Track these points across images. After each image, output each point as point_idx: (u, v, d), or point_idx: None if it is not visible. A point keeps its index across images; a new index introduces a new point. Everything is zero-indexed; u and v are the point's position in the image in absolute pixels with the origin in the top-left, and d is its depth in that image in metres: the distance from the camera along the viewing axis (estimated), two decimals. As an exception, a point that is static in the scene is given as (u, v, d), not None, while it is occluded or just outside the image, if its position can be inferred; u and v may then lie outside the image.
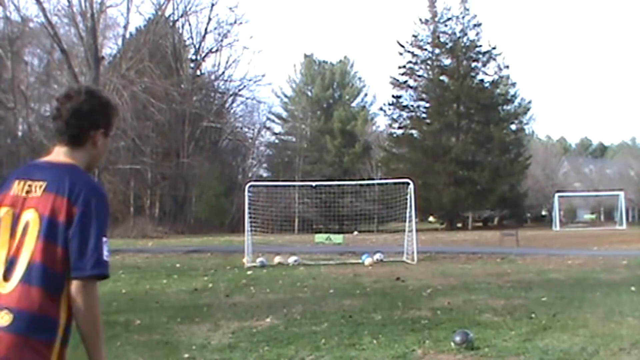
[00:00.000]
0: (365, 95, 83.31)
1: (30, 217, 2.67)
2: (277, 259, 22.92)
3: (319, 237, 26.81)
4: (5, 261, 2.64)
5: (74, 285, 2.59)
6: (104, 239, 2.67)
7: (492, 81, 67.30)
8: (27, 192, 2.73)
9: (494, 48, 66.51)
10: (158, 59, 56.04)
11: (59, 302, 2.61)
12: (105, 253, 2.65)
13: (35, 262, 2.59)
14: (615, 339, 8.26)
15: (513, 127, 70.92)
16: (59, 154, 2.86)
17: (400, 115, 68.10)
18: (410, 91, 68.03)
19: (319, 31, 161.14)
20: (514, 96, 73.83)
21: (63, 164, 2.81)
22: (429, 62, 67.44)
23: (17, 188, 2.76)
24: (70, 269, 2.60)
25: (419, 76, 67.81)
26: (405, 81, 67.40)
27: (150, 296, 13.95)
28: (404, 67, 67.01)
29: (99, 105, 2.93)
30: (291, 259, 22.84)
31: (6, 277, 2.61)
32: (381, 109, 70.77)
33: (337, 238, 26.54)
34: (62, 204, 2.65)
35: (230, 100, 70.09)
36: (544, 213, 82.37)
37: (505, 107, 69.99)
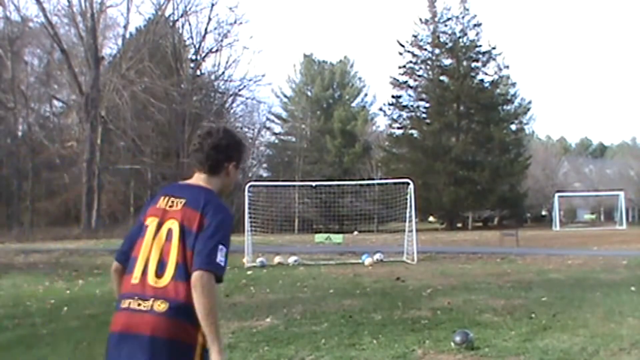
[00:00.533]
0: (365, 95, 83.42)
1: (173, 226, 3.31)
2: (277, 259, 22.94)
3: (319, 237, 26.82)
4: (157, 261, 3.25)
5: (192, 277, 3.13)
6: (221, 247, 3.22)
7: (492, 81, 67.34)
8: (170, 205, 3.40)
9: (493, 48, 66.59)
10: (158, 59, 56.04)
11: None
12: (220, 258, 3.20)
13: (179, 263, 3.21)
14: (615, 339, 8.26)
15: (513, 127, 70.95)
16: (198, 179, 3.57)
17: (400, 115, 68.11)
18: (410, 91, 68.07)
19: (319, 31, 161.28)
20: (514, 96, 73.91)
21: (200, 186, 3.51)
22: (429, 62, 67.45)
23: (162, 202, 3.43)
24: (193, 264, 3.19)
25: (419, 76, 67.83)
26: (405, 81, 67.41)
27: (150, 296, 13.94)
28: (404, 67, 67.03)
29: (234, 143, 3.62)
30: (291, 259, 22.85)
31: (158, 274, 3.22)
32: (381, 109, 70.85)
33: (337, 238, 26.55)
34: (195, 217, 3.28)
35: (230, 100, 70.05)
36: (544, 213, 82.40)
37: (505, 107, 70.00)
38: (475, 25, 66.62)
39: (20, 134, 57.68)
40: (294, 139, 78.76)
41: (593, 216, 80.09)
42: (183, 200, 3.39)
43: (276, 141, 79.91)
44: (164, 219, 3.35)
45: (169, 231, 3.30)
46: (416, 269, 19.92)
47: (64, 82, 59.47)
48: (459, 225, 66.20)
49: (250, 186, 25.60)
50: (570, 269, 18.86)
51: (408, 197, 24.27)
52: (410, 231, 23.86)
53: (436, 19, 67.00)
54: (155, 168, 57.81)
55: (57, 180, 55.73)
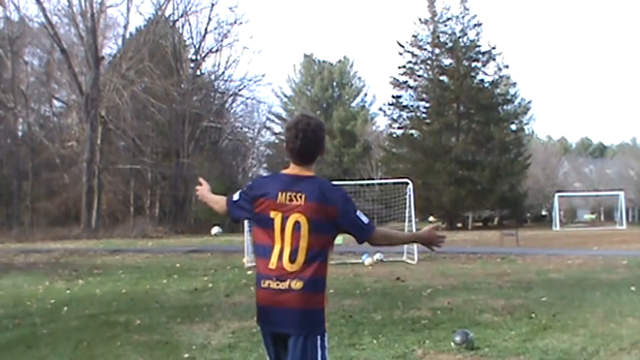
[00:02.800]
0: (365, 95, 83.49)
1: (300, 219, 3.87)
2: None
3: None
4: (290, 250, 3.86)
5: (372, 237, 4.16)
6: (359, 212, 4.06)
7: (492, 81, 67.26)
8: (290, 200, 3.90)
9: (493, 48, 66.50)
10: (158, 59, 56.05)
11: (325, 266, 3.94)
12: (365, 219, 4.08)
13: (309, 249, 3.86)
14: (615, 339, 8.26)
15: (513, 127, 70.84)
16: (300, 170, 4.04)
17: (400, 115, 68.04)
18: (410, 91, 67.96)
19: (319, 31, 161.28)
20: (514, 96, 73.91)
21: (309, 177, 4.02)
22: (429, 62, 67.39)
23: (281, 198, 3.91)
24: (355, 235, 4.13)
25: (419, 76, 67.75)
26: (405, 81, 67.35)
27: (150, 296, 13.94)
28: (404, 67, 66.95)
29: (324, 133, 4.14)
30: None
31: (291, 260, 3.85)
32: (381, 109, 70.76)
33: (337, 239, 26.51)
34: (320, 208, 3.89)
35: (230, 100, 70.12)
36: (544, 213, 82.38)
37: (505, 107, 69.95)
38: (475, 25, 66.55)
39: (20, 134, 57.70)
40: (293, 139, 78.68)
41: (593, 216, 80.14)
42: (303, 195, 3.90)
43: (276, 141, 79.83)
44: (288, 213, 3.88)
45: (296, 223, 3.86)
46: (416, 269, 19.93)
47: (64, 82, 59.47)
48: (459, 225, 66.17)
49: (250, 186, 25.53)
50: (570, 269, 18.87)
51: (408, 197, 24.28)
52: (410, 231, 23.86)
53: (436, 19, 66.92)
54: (155, 168, 57.85)
55: (57, 180, 55.74)
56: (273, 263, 3.88)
